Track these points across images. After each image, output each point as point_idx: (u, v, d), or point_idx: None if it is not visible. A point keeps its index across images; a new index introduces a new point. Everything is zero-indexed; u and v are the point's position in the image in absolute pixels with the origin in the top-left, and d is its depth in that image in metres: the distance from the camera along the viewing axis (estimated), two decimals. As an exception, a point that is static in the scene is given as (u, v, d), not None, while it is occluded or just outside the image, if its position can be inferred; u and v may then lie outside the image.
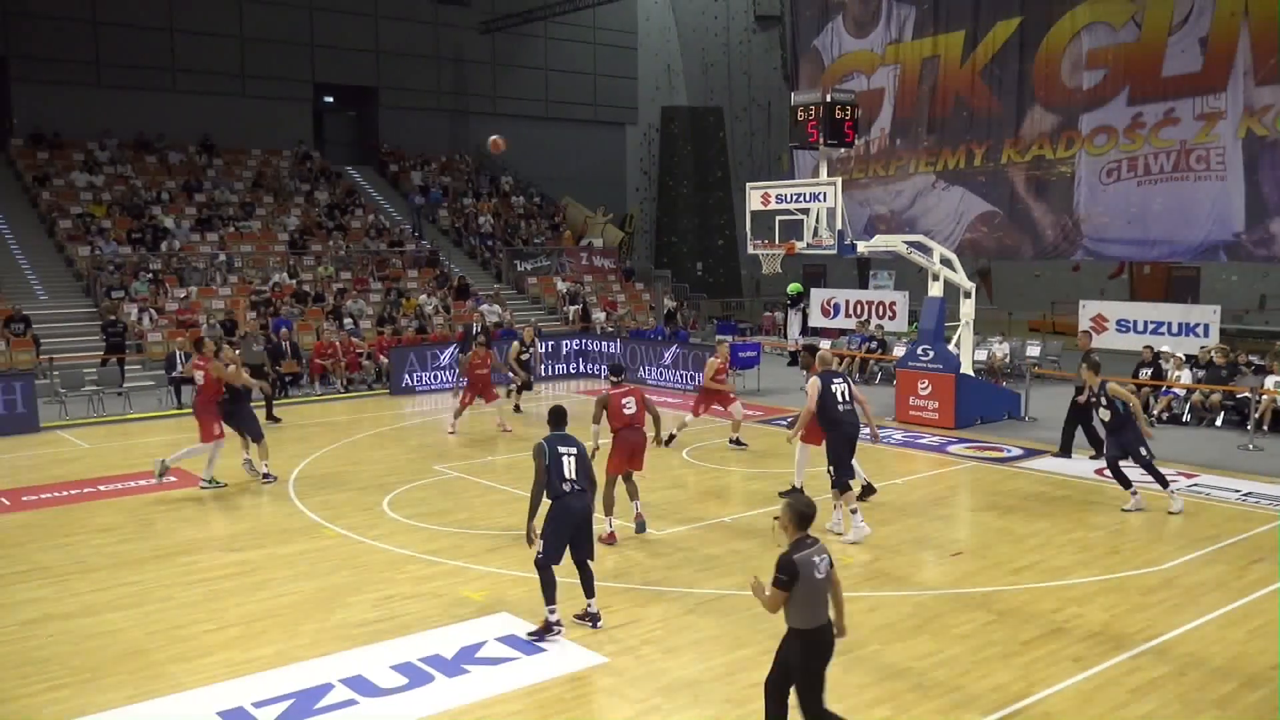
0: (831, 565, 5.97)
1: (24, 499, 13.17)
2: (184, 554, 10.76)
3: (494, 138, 17.09)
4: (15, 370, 20.37)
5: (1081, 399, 13.80)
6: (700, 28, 43.42)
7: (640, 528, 11.08)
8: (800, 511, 5.95)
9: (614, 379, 11.47)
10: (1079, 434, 14.68)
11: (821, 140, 17.17)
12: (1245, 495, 12.60)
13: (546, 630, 8.17)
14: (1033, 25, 26.74)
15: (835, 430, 10.97)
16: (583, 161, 40.13)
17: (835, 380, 11.08)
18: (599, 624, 8.40)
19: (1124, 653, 7.80)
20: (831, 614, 5.98)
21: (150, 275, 25.99)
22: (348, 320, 25.50)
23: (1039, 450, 15.37)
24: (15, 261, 25.94)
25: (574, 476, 8.26)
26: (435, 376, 22.59)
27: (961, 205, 28.26)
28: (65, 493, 13.52)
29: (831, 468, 10.93)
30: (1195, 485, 13.11)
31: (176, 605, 9.21)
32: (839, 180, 17.11)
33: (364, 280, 28.88)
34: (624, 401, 10.88)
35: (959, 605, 8.87)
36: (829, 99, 17.12)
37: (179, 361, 20.71)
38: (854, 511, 10.88)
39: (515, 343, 19.94)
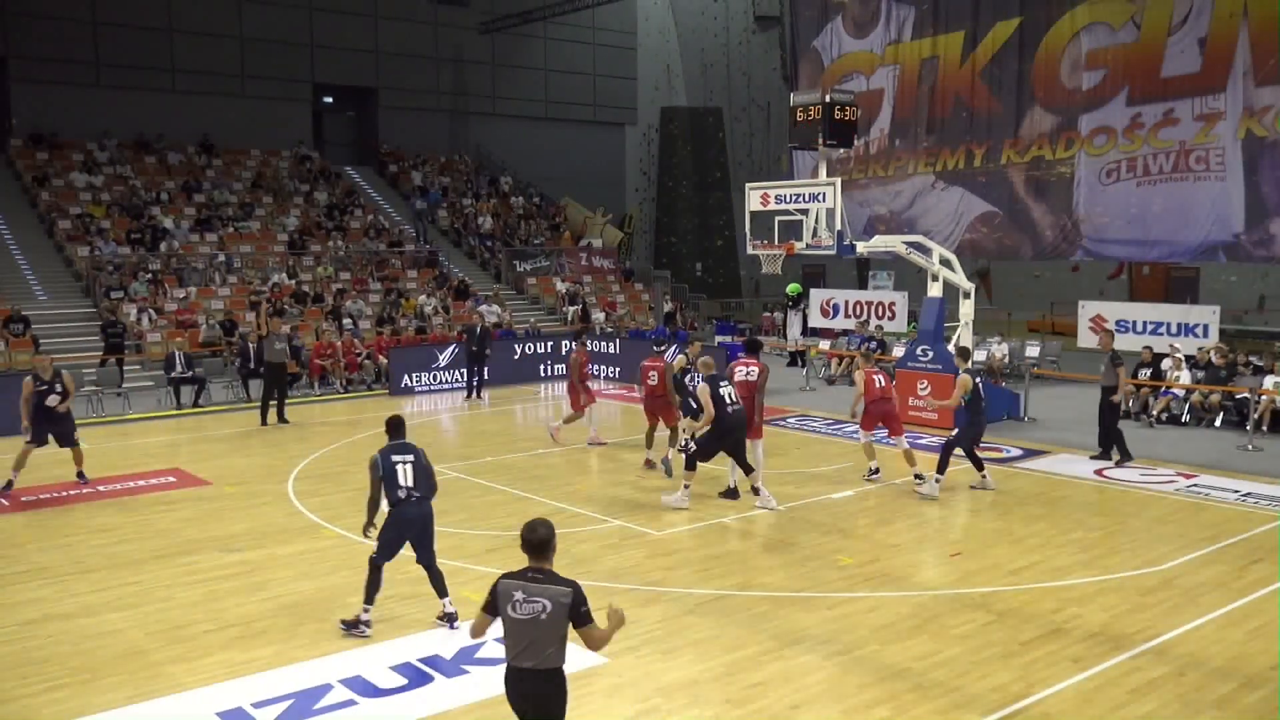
0: (553, 610, 5.08)
1: (23, 499, 13.16)
2: (183, 554, 10.75)
3: None
4: (14, 370, 20.35)
5: (1116, 398, 13.94)
6: (700, 28, 43.42)
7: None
8: (523, 536, 5.24)
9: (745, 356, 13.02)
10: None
11: (821, 141, 17.17)
12: (1245, 495, 12.60)
13: (354, 625, 8.40)
14: (1032, 26, 26.76)
15: (719, 426, 11.81)
16: (582, 162, 40.12)
17: (722, 384, 12.04)
18: (456, 624, 8.43)
19: (1123, 653, 7.80)
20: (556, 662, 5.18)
21: (149, 276, 25.98)
22: (347, 321, 25.49)
23: (1038, 450, 15.38)
24: (14, 262, 25.93)
25: (410, 484, 8.39)
26: (434, 377, 22.60)
27: (961, 206, 28.28)
28: (65, 493, 13.51)
29: (695, 447, 12.00)
30: (1194, 485, 13.12)
31: (176, 606, 9.21)
32: (838, 181, 17.11)
33: (363, 280, 28.87)
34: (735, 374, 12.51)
35: (958, 606, 8.87)
36: (828, 99, 17.12)
37: (178, 362, 20.75)
38: (686, 486, 12.18)
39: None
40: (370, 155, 36.99)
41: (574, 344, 17.16)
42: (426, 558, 8.55)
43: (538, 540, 5.20)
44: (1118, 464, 14.22)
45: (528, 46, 39.08)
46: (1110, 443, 14.39)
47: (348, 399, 21.78)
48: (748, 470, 12.11)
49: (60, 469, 14.31)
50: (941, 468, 12.68)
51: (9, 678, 7.71)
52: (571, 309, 30.16)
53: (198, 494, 13.49)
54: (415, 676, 7.59)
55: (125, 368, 22.33)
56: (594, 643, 5.24)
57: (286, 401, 18.95)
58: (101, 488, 13.73)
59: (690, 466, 12.11)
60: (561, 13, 36.01)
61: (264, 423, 18.37)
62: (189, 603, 9.28)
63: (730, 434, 11.87)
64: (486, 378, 22.00)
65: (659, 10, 43.27)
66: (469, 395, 21.68)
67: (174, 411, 20.12)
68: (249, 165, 32.93)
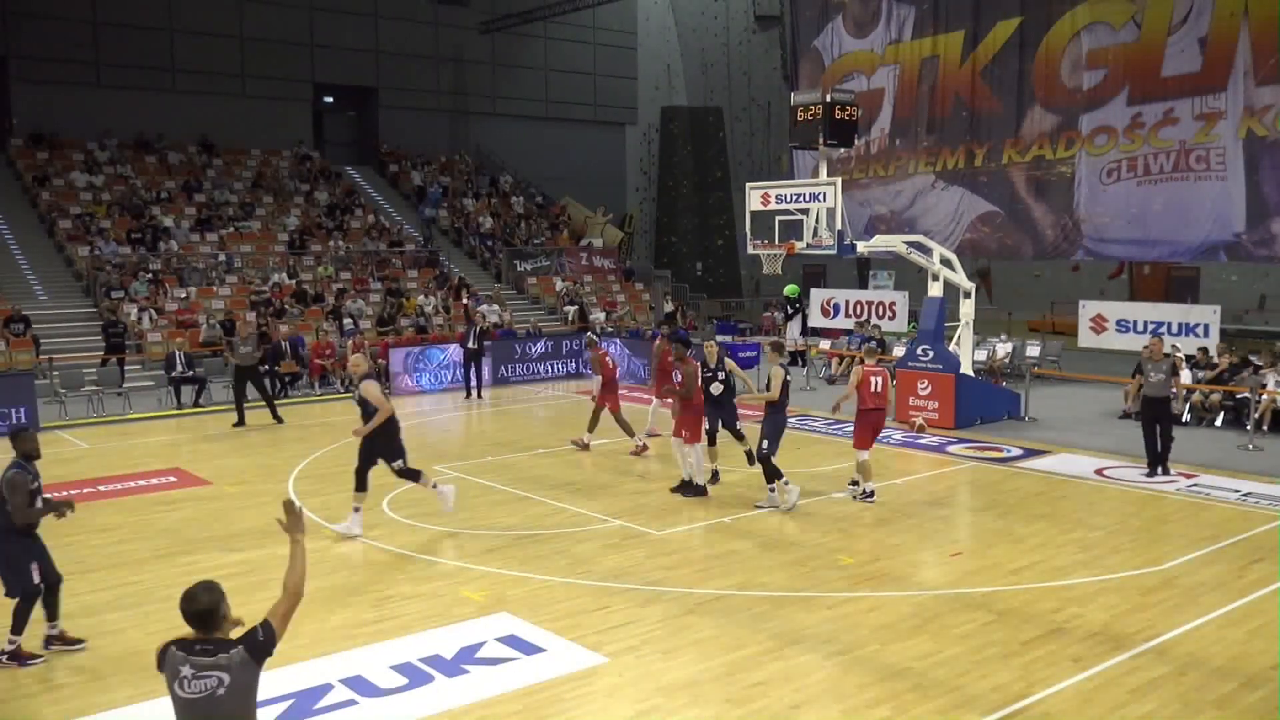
0: (232, 683, 4.43)
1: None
2: (184, 554, 10.76)
3: None
4: (15, 370, 20.37)
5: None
6: (700, 28, 43.43)
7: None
8: (182, 608, 4.49)
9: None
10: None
11: (821, 140, 17.17)
12: (1245, 495, 12.60)
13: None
14: (1032, 25, 26.74)
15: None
16: (583, 161, 40.14)
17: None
18: (77, 646, 8.21)
19: (1124, 653, 7.81)
20: None
21: (150, 275, 25.99)
22: (348, 320, 25.50)
23: (1039, 450, 15.37)
24: (15, 261, 25.94)
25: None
26: (435, 377, 22.61)
27: (961, 205, 28.27)
28: (65, 493, 13.46)
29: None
30: (1195, 485, 13.12)
31: (176, 605, 9.18)
32: (839, 180, 17.11)
33: (364, 280, 28.88)
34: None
35: (959, 605, 8.87)
36: (829, 99, 17.12)
37: (178, 362, 20.73)
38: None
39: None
40: (370, 155, 37.00)
41: (658, 340, 16.75)
42: (53, 577, 8.22)
43: (198, 610, 4.44)
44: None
45: (528, 46, 39.08)
46: (1166, 456, 13.66)
47: (348, 398, 21.75)
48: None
49: (60, 468, 14.32)
50: (770, 478, 12.11)
51: (10, 678, 7.72)
52: (571, 309, 30.16)
53: (198, 494, 13.50)
54: (416, 676, 7.58)
55: (126, 367, 22.35)
56: (289, 601, 4.65)
57: (281, 400, 19.02)
58: (102, 487, 13.75)
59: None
60: (562, 12, 36.01)
61: (239, 423, 18.24)
62: (189, 602, 9.27)
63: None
64: (485, 378, 22.04)
65: (659, 10, 43.27)
66: (468, 395, 21.69)
67: (174, 411, 20.13)
68: (249, 165, 32.95)
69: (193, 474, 14.54)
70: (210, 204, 30.12)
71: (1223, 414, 17.36)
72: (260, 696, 7.11)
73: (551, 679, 7.50)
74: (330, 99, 36.97)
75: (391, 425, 11.35)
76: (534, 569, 9.99)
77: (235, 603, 9.12)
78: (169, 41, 31.80)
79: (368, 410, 11.21)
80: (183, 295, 25.72)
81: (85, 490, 13.56)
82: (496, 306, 28.34)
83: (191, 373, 21.00)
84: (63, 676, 7.72)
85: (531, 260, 32.99)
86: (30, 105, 29.91)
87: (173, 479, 14.17)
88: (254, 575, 10.05)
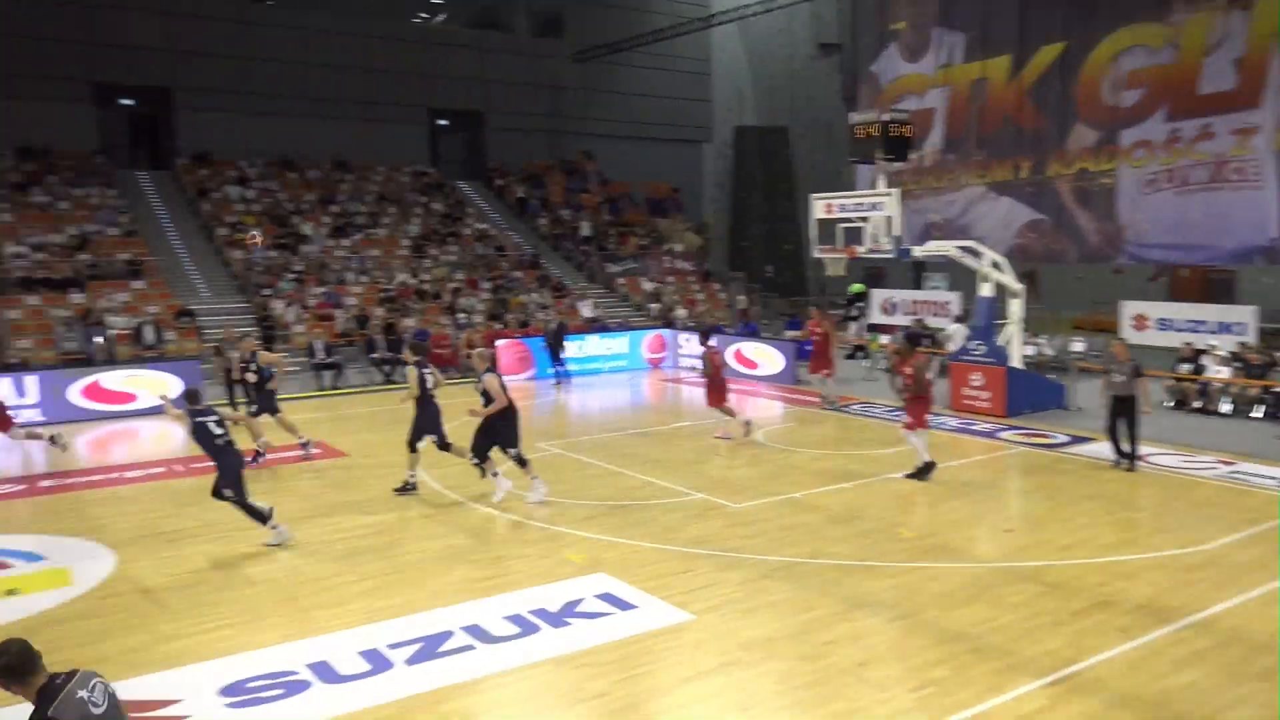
0: (110, 691, 3.95)
1: (193, 465, 13.64)
2: (326, 515, 11.04)
3: (252, 235, 15.24)
4: (184, 356, 21.13)
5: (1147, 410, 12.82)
6: (767, 55, 43.07)
7: None
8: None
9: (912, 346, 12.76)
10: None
11: (879, 155, 16.96)
12: (1281, 482, 12.03)
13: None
14: (1075, 49, 25.93)
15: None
16: (664, 175, 40.10)
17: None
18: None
19: (1169, 625, 7.53)
20: None
21: (294, 275, 26.67)
22: (461, 315, 25.85)
23: (1084, 438, 14.90)
24: (181, 263, 26.85)
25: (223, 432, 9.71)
26: (535, 364, 22.79)
27: (1010, 214, 27.57)
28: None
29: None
30: (1235, 472, 12.57)
31: (321, 559, 9.46)
32: (897, 191, 16.83)
33: (475, 280, 29.24)
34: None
35: (1011, 578, 8.65)
36: (885, 118, 16.86)
37: (319, 350, 21.28)
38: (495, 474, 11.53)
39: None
40: (479, 170, 37.43)
41: (706, 344, 15.52)
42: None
43: (2, 667, 3.78)
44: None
45: (616, 73, 39.10)
46: (1135, 448, 12.75)
47: (462, 383, 22.07)
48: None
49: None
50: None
51: (187, 616, 8.02)
52: (655, 305, 30.16)
53: (337, 464, 13.82)
54: (525, 626, 7.66)
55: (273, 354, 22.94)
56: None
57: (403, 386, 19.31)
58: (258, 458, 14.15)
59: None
60: (645, 43, 35.99)
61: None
62: (333, 557, 9.52)
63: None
64: (570, 368, 22.23)
65: (730, 40, 42.93)
66: (557, 382, 21.84)
67: (316, 393, 20.64)
68: (375, 180, 33.56)
69: (332, 446, 14.90)
70: (343, 214, 30.76)
71: (1263, 407, 16.59)
72: (394, 639, 7.36)
73: (644, 632, 7.52)
74: (445, 122, 37.46)
75: (511, 413, 11.40)
76: (626, 535, 10.02)
77: (371, 558, 9.40)
78: (306, 74, 32.57)
79: (488, 400, 11.33)
80: (321, 292, 26.30)
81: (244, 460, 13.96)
82: (589, 303, 28.47)
83: (330, 359, 21.52)
84: (230, 617, 7.97)
85: (621, 263, 33.04)
86: (193, 130, 30.92)
87: (317, 450, 14.52)
88: (386, 535, 10.28)
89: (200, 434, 9.60)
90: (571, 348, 22.84)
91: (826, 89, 40.74)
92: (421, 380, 11.65)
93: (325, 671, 6.91)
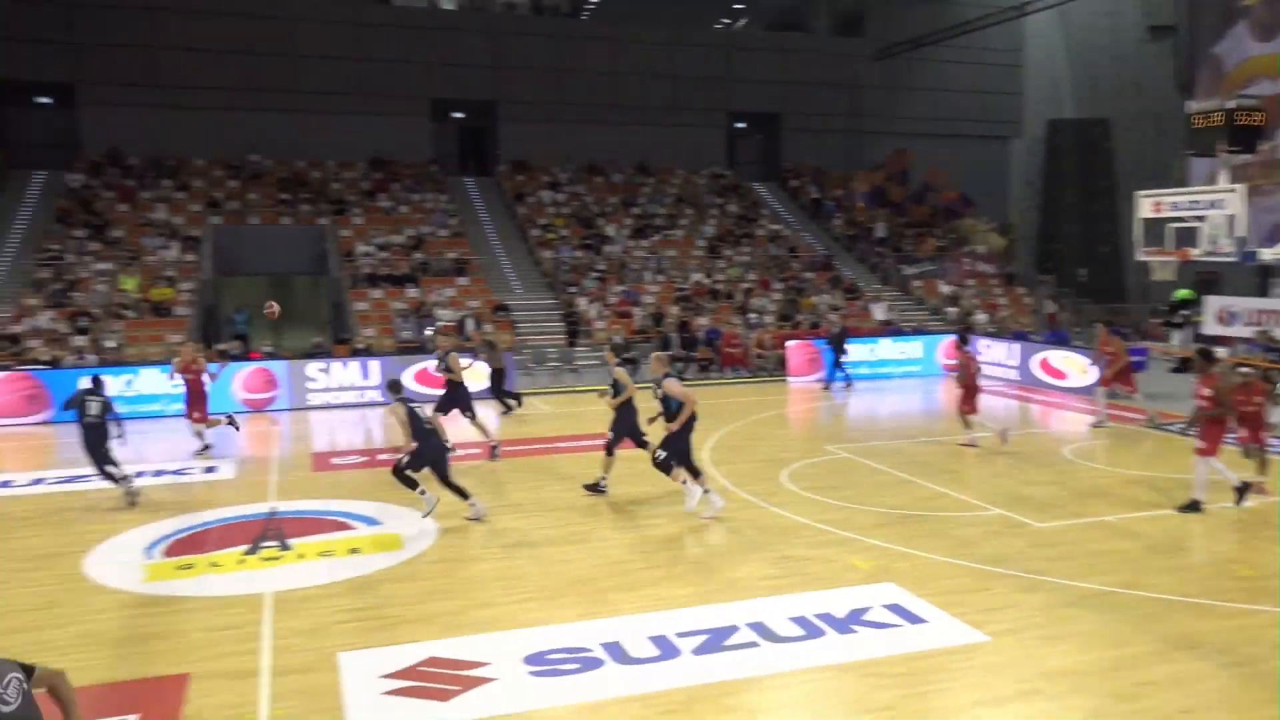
0: (23, 683, 3.62)
1: (500, 450, 14.83)
2: (621, 508, 11.58)
3: (270, 307, 14.58)
4: (504, 348, 23.02)
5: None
6: (1088, 42, 39.67)
7: None
8: None
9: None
10: None
11: (1223, 147, 15.07)
12: None
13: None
14: None
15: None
16: (966, 173, 38.11)
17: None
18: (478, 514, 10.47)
19: None
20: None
21: (597, 274, 28.21)
22: (752, 315, 26.11)
23: None
24: (499, 262, 29.29)
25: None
26: (821, 366, 22.54)
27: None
28: (532, 447, 15.06)
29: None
30: None
31: (615, 545, 9.95)
32: (1243, 187, 14.92)
33: (766, 281, 29.42)
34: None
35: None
36: (1231, 105, 15.00)
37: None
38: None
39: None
40: (774, 172, 37.61)
41: (962, 348, 15.30)
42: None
43: None
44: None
45: (917, 69, 37.70)
46: None
47: (752, 383, 22.34)
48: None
49: (529, 428, 15.92)
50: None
51: (495, 587, 8.74)
52: (953, 309, 28.80)
53: (623, 455, 14.39)
54: (810, 629, 7.60)
55: (576, 348, 24.45)
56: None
57: (695, 382, 19.81)
58: (560, 445, 15.15)
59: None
60: (951, 36, 34.36)
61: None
62: (625, 544, 9.98)
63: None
64: (849, 371, 21.69)
65: (1046, 27, 39.97)
66: (833, 385, 21.41)
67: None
68: (674, 183, 34.71)
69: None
70: (644, 215, 32.11)
71: None
72: (682, 628, 7.57)
73: (933, 649, 7.22)
74: (742, 124, 38.01)
75: (690, 422, 11.13)
76: (918, 546, 9.67)
77: (661, 548, 9.71)
78: (614, 83, 34.34)
79: (669, 407, 11.13)
80: (621, 290, 27.57)
81: (548, 446, 15.03)
82: (884, 305, 27.73)
83: (628, 354, 22.54)
84: (532, 591, 8.57)
85: (918, 264, 31.88)
86: (512, 139, 33.68)
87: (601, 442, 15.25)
88: (675, 525, 10.60)
89: (413, 420, 10.47)
90: (858, 351, 22.39)
91: (1156, 75, 36.88)
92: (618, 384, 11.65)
93: (617, 652, 7.26)
